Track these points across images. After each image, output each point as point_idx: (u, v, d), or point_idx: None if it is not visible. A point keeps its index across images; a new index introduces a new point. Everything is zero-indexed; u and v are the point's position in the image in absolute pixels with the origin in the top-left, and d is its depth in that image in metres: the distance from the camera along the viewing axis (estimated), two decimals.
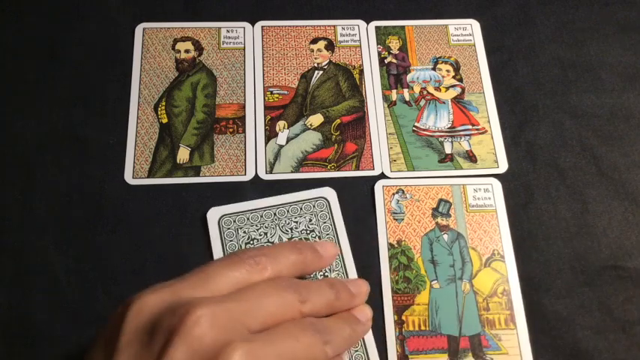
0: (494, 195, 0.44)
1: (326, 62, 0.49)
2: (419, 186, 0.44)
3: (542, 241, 0.43)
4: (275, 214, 0.39)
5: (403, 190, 0.44)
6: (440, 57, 0.50)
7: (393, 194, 0.44)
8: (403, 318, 0.40)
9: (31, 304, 0.39)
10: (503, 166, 0.45)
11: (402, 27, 0.51)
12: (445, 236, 0.43)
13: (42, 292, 0.39)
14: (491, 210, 0.44)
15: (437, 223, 0.43)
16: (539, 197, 0.44)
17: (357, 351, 0.38)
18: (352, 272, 0.38)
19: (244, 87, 0.47)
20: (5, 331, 0.38)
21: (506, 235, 0.43)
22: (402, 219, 0.43)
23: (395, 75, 0.49)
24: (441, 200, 0.44)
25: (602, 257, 0.42)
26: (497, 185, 0.44)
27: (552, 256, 0.42)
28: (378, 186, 0.44)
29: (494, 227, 0.43)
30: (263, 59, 0.49)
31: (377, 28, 0.51)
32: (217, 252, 0.38)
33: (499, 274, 0.41)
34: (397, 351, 0.39)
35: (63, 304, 0.39)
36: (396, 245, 0.42)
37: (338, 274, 0.38)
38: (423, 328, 0.40)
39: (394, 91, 0.48)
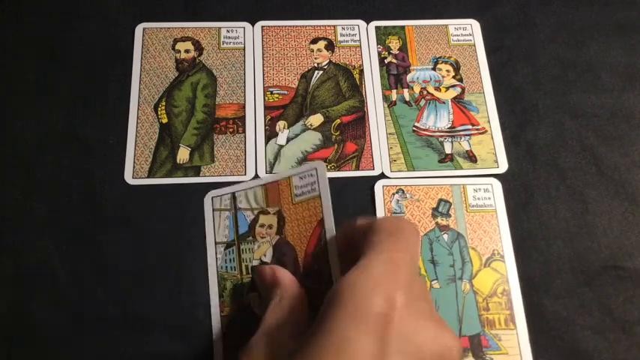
0: (494, 195, 0.44)
1: (326, 62, 0.49)
2: (419, 186, 0.44)
3: (542, 241, 0.43)
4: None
5: (403, 190, 0.44)
6: (440, 57, 0.50)
7: (393, 194, 0.44)
8: None
9: (31, 304, 0.39)
10: (503, 166, 0.45)
11: (402, 27, 0.51)
12: (445, 236, 0.43)
13: (42, 292, 0.39)
14: (491, 210, 0.44)
15: (437, 223, 0.43)
16: (539, 197, 0.44)
17: None
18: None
19: (244, 87, 0.47)
20: (5, 331, 0.38)
21: (506, 235, 0.43)
22: None
23: (395, 75, 0.49)
24: (440, 200, 0.44)
25: (602, 257, 0.42)
26: (497, 185, 0.44)
27: (552, 256, 0.42)
28: (378, 186, 0.44)
29: (494, 227, 0.43)
30: (263, 59, 0.49)
31: (377, 28, 0.51)
32: None
33: (499, 274, 0.41)
34: None
35: (63, 304, 0.39)
36: None
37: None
38: None
39: (394, 91, 0.48)
